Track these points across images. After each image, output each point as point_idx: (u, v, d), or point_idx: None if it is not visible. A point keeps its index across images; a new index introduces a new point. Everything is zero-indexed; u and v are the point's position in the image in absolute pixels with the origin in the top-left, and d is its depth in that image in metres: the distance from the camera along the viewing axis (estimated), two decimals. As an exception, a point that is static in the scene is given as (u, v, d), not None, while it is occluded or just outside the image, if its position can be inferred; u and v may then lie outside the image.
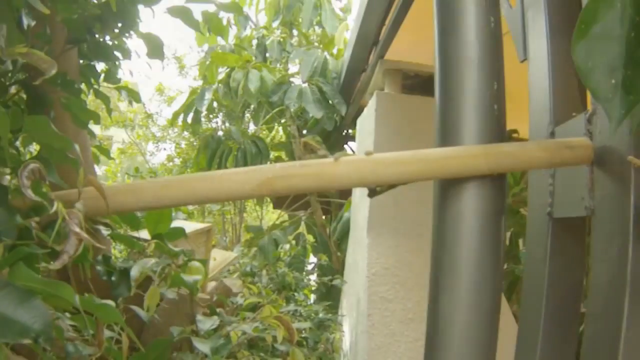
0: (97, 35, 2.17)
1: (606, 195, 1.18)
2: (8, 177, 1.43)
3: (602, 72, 0.88)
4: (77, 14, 1.97)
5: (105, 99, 2.38)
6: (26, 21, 1.69)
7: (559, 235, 1.37)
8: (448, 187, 1.25)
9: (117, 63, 2.50)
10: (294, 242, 6.33)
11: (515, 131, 3.97)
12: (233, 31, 7.78)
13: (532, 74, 1.53)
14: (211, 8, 2.38)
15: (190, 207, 7.72)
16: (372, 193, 1.35)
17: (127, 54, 2.32)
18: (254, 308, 2.73)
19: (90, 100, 3.45)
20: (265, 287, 3.42)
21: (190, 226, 3.06)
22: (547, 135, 1.39)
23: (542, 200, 1.40)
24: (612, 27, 0.88)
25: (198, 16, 2.24)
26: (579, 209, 1.26)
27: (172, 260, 1.92)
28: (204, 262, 2.28)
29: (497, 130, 1.24)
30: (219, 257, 3.50)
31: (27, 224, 1.08)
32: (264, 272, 3.70)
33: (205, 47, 8.29)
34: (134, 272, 1.75)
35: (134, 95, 2.60)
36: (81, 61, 2.25)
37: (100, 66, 2.48)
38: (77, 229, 0.95)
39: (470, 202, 1.21)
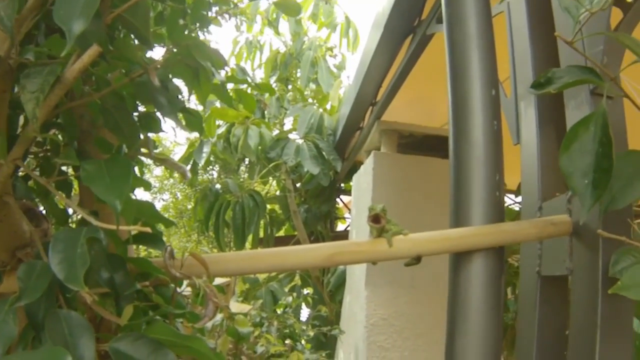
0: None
1: (582, 259, 1.51)
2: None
3: (579, 175, 1.25)
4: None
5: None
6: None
7: (545, 289, 1.69)
8: (460, 256, 1.61)
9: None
10: (294, 294, 6.54)
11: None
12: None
13: (523, 157, 1.86)
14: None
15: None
16: (408, 263, 1.71)
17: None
18: (273, 356, 3.01)
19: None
20: (276, 337, 3.68)
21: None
22: (536, 209, 1.73)
23: (532, 261, 1.73)
24: (586, 144, 1.25)
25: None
26: (561, 269, 1.59)
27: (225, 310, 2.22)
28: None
29: (498, 211, 1.61)
30: (235, 310, 3.75)
31: (143, 290, 1.37)
32: (275, 322, 3.96)
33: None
34: (208, 325, 2.07)
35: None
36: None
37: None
38: (215, 299, 1.26)
39: (477, 268, 1.57)
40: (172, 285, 1.37)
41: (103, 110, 1.43)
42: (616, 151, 1.31)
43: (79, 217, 1.69)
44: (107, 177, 1.11)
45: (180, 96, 1.72)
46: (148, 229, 1.08)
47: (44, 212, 1.66)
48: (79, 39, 1.01)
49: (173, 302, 1.35)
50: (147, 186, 1.85)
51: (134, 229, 1.07)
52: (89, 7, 1.00)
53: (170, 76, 1.72)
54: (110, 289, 1.28)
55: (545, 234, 1.55)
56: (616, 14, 1.68)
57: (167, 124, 2.59)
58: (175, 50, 1.43)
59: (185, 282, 1.37)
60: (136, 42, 1.43)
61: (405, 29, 3.99)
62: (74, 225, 1.76)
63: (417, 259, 1.68)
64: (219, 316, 2.12)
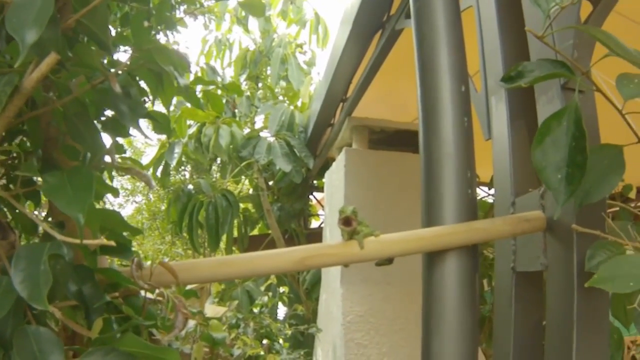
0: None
1: (556, 255, 1.51)
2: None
3: (552, 169, 1.25)
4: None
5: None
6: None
7: (521, 285, 1.69)
8: (434, 256, 1.60)
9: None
10: (270, 294, 6.52)
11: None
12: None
13: (495, 152, 1.85)
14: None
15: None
16: (380, 264, 1.69)
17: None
18: (250, 358, 2.99)
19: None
20: (253, 338, 3.66)
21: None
22: (509, 204, 1.73)
23: (507, 257, 1.72)
24: (559, 138, 1.24)
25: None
26: (536, 265, 1.59)
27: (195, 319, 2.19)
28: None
29: (471, 209, 1.60)
30: (210, 312, 3.72)
31: (113, 301, 1.32)
32: (252, 323, 3.93)
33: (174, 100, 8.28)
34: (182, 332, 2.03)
35: (139, 165, 2.85)
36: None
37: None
38: (184, 310, 1.24)
39: (451, 267, 1.56)
40: (143, 295, 1.34)
41: (65, 118, 1.39)
42: (589, 145, 1.30)
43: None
44: (70, 189, 1.06)
45: (146, 99, 1.68)
46: (112, 243, 1.04)
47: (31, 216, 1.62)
48: (35, 48, 0.97)
49: (144, 312, 1.32)
50: (115, 192, 1.81)
51: (98, 243, 1.04)
52: (43, 15, 0.95)
53: (138, 78, 1.68)
54: (79, 302, 1.24)
55: (519, 230, 1.55)
56: (585, 9, 1.68)
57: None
58: (137, 54, 1.39)
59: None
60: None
61: (374, 25, 3.99)
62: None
63: (389, 260, 1.66)
64: (192, 322, 2.08)
